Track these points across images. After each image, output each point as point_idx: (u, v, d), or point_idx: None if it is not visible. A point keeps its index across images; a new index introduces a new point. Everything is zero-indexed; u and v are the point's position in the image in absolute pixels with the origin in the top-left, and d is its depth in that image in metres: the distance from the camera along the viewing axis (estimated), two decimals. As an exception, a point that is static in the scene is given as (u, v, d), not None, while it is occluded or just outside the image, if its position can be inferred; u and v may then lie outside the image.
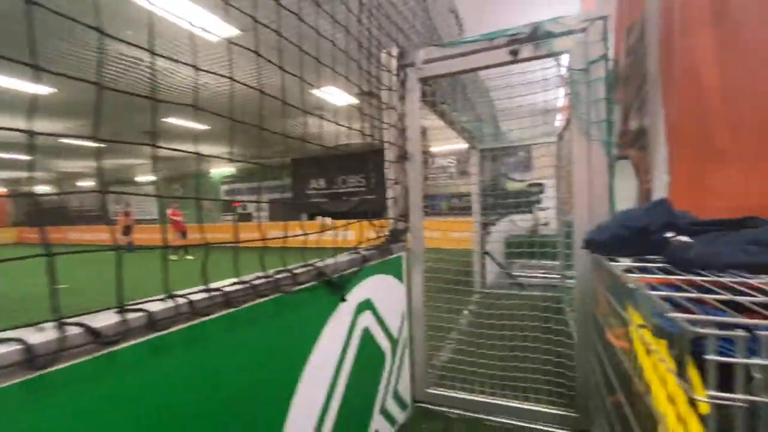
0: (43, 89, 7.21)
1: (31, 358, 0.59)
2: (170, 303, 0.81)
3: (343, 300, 1.37)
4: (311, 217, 14.50)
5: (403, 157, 2.07)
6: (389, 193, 2.04)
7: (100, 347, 0.68)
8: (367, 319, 1.60)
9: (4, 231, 20.74)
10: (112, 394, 0.69)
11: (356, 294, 1.50)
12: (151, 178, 18.58)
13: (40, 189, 23.32)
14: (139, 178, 18.93)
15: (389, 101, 2.02)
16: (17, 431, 0.57)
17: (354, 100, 7.58)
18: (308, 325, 1.21)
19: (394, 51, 2.07)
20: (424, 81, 2.16)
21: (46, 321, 0.66)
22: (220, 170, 16.60)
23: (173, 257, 10.50)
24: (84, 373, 0.65)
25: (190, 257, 10.91)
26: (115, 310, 0.75)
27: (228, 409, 0.90)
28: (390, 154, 2.02)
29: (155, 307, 0.78)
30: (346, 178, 13.98)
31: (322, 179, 14.22)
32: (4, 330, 0.61)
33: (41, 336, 0.62)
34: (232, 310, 0.92)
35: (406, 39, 2.22)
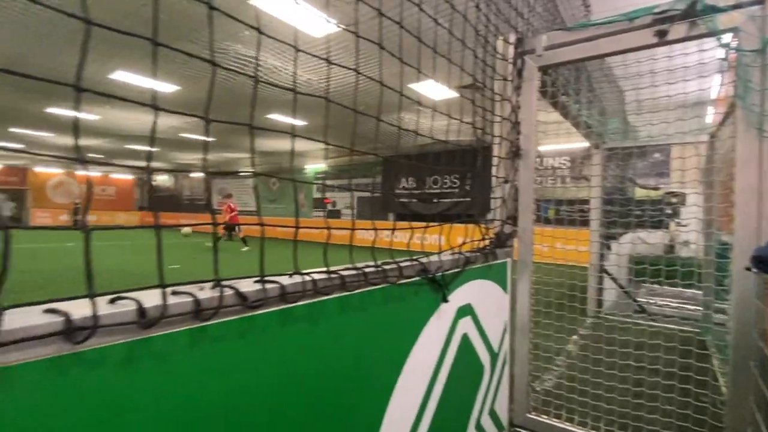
0: (168, 87, 8.61)
1: (198, 310, 0.76)
2: (297, 279, 0.95)
3: (445, 301, 1.42)
4: (399, 217, 14.85)
5: (515, 153, 2.05)
6: (497, 193, 2.03)
7: (246, 309, 0.83)
8: (466, 325, 1.62)
9: (131, 214, 25.65)
10: (252, 351, 0.84)
11: (457, 297, 1.54)
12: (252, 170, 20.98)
13: (160, 178, 27.92)
14: (243, 171, 21.49)
15: (503, 92, 2.01)
16: (183, 370, 0.73)
17: (454, 94, 7.57)
18: (411, 321, 1.29)
19: (512, 37, 2.06)
20: (543, 70, 2.10)
21: (206, 281, 0.83)
22: (315, 167, 17.97)
23: (244, 248, 11.84)
24: (233, 329, 0.81)
25: (246, 248, 12.18)
26: (254, 280, 0.91)
27: (336, 385, 1.02)
28: (500, 150, 2.01)
29: (285, 281, 0.93)
30: (438, 179, 14.01)
31: (413, 179, 14.47)
32: (177, 284, 0.80)
33: (204, 293, 0.79)
34: (346, 293, 1.04)
35: (526, 24, 2.19)
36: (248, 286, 0.87)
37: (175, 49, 0.68)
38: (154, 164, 23.59)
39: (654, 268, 4.11)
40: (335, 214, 16.94)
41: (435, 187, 14.06)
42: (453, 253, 1.53)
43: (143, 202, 28.36)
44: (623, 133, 4.44)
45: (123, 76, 7.87)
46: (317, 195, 17.96)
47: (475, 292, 1.68)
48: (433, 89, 7.75)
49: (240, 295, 0.83)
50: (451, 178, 13.40)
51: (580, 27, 1.93)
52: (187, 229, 12.25)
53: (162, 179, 27.65)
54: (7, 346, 0.55)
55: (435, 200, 12.49)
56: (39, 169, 23.86)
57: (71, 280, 7.04)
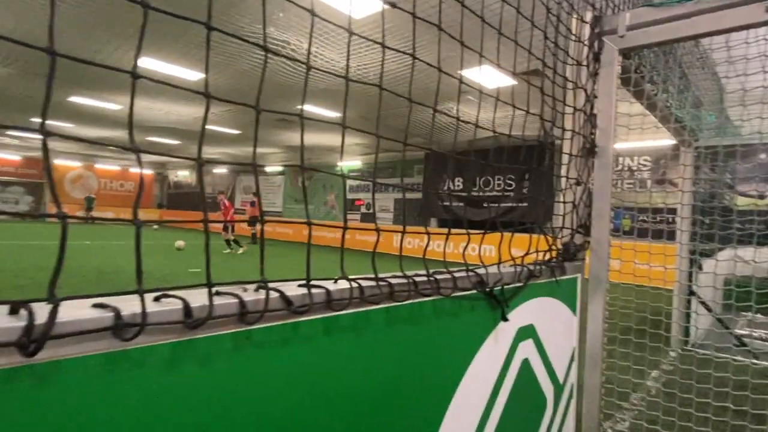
0: (193, 74, 9.05)
1: (243, 312, 0.81)
2: (344, 285, 0.99)
3: (504, 319, 1.42)
4: (442, 223, 14.78)
5: (589, 150, 2.01)
6: (566, 197, 1.99)
7: (290, 315, 0.88)
8: (527, 350, 1.61)
9: (149, 212, 27.16)
10: (295, 359, 0.89)
11: (518, 315, 1.53)
12: (279, 168, 21.59)
13: (181, 174, 29.28)
14: (269, 168, 22.19)
15: (577, 79, 1.99)
16: (225, 375, 0.79)
17: (509, 82, 7.48)
18: (465, 339, 1.30)
19: (588, 15, 2.02)
20: (625, 54, 2.06)
21: (250, 282, 0.89)
22: (348, 164, 18.25)
23: (227, 251, 12.22)
24: (276, 335, 0.86)
25: (241, 251, 12.49)
26: (299, 283, 0.96)
27: (382, 403, 1.05)
28: (572, 147, 1.98)
29: (331, 287, 0.97)
30: (490, 180, 13.83)
31: (460, 179, 14.36)
32: (221, 284, 0.86)
33: (248, 295, 0.85)
34: (394, 303, 1.07)
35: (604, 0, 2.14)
36: (293, 290, 0.92)
37: (230, 35, 0.74)
38: (174, 159, 24.74)
39: (761, 293, 3.84)
40: (368, 217, 17.11)
41: (486, 189, 13.89)
42: (513, 265, 1.52)
43: (162, 199, 29.85)
44: (720, 129, 4.22)
45: (147, 62, 8.36)
46: (349, 196, 18.21)
47: (539, 311, 1.66)
48: (487, 76, 7.69)
49: (285, 299, 0.88)
50: (505, 179, 13.20)
51: (671, 2, 1.88)
52: (180, 243, 12.80)
53: (183, 175, 29.02)
54: (62, 339, 0.62)
55: (485, 204, 12.36)
56: (58, 162, 25.73)
57: (90, 280, 7.54)
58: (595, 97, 2.02)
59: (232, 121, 13.25)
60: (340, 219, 17.88)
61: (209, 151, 19.86)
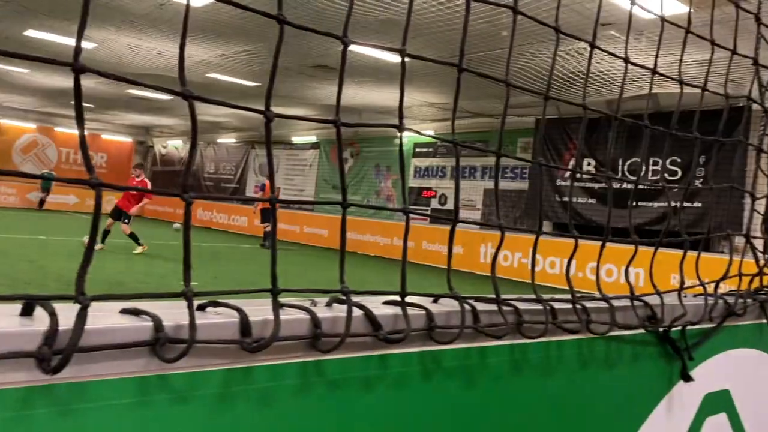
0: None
1: (317, 335, 0.85)
2: (450, 306, 1.01)
3: (686, 378, 1.38)
4: (557, 227, 14.45)
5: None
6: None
7: (377, 344, 0.91)
8: (719, 428, 1.56)
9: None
10: (380, 409, 0.92)
11: (706, 374, 1.48)
12: (312, 139, 22.03)
13: (171, 144, 30.57)
14: (297, 139, 22.64)
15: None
16: (289, 421, 0.83)
17: (681, 8, 7.19)
18: (624, 404, 1.28)
19: None
20: None
21: (322, 291, 0.93)
22: (413, 136, 18.20)
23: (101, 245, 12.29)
24: (356, 370, 0.90)
25: (138, 250, 12.63)
26: (384, 300, 0.99)
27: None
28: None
29: (431, 307, 0.99)
30: (635, 163, 13.38)
31: (591, 160, 13.97)
32: (287, 290, 0.90)
33: (321, 312, 0.89)
34: (522, 340, 1.07)
35: None
36: (378, 308, 0.95)
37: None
38: (165, 121, 25.84)
39: None
40: (440, 215, 17.00)
41: (631, 177, 13.48)
42: (700, 295, 1.48)
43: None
44: None
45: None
46: (413, 183, 18.21)
47: (738, 370, 1.62)
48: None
49: (371, 320, 0.91)
50: (666, 164, 12.69)
51: None
52: (178, 225, 13.39)
53: (173, 145, 30.27)
54: (91, 354, 0.68)
55: (634, 203, 11.98)
56: (5, 122, 27.56)
57: (95, 281, 8.11)
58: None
59: (247, 70, 13.70)
60: (395, 217, 17.81)
61: (216, 112, 20.59)
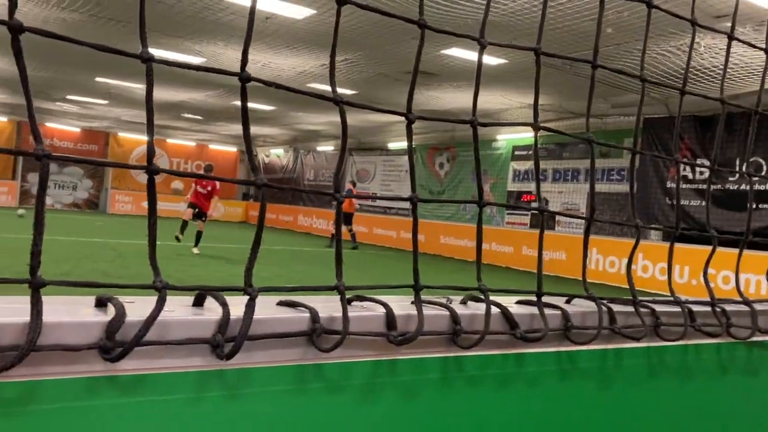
0: (299, 11, 9.73)
1: (456, 332, 0.87)
2: (585, 307, 1.01)
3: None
4: (668, 234, 13.81)
5: None
6: None
7: (513, 342, 0.92)
8: None
9: (232, 204, 29.69)
10: (515, 406, 0.93)
11: None
12: (405, 144, 22.17)
13: (274, 152, 31.58)
14: (393, 144, 22.86)
15: None
16: (430, 416, 0.86)
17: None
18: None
19: None
20: None
21: (459, 288, 0.95)
22: (512, 137, 17.90)
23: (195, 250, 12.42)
24: (494, 367, 0.91)
25: (196, 250, 12.64)
26: (518, 300, 1.00)
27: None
28: None
29: (566, 307, 0.99)
30: (761, 162, 12.58)
31: (704, 160, 13.28)
32: (429, 287, 0.93)
33: (459, 308, 0.91)
34: (660, 343, 1.05)
35: None
36: (513, 307, 0.97)
37: None
38: (268, 131, 26.76)
39: None
40: (544, 220, 16.57)
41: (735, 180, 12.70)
42: None
43: (249, 188, 32.47)
44: None
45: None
46: (512, 188, 17.93)
47: None
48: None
49: (508, 319, 0.92)
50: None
51: None
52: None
53: (276, 153, 31.35)
54: (254, 342, 0.74)
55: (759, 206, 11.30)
56: (123, 135, 29.45)
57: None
58: None
59: (346, 78, 13.97)
60: (502, 224, 17.50)
61: (315, 121, 21.13)
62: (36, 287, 0.62)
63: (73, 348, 0.64)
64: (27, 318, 0.62)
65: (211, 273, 10.30)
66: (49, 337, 0.63)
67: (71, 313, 0.69)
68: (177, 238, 12.66)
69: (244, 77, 0.75)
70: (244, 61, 0.76)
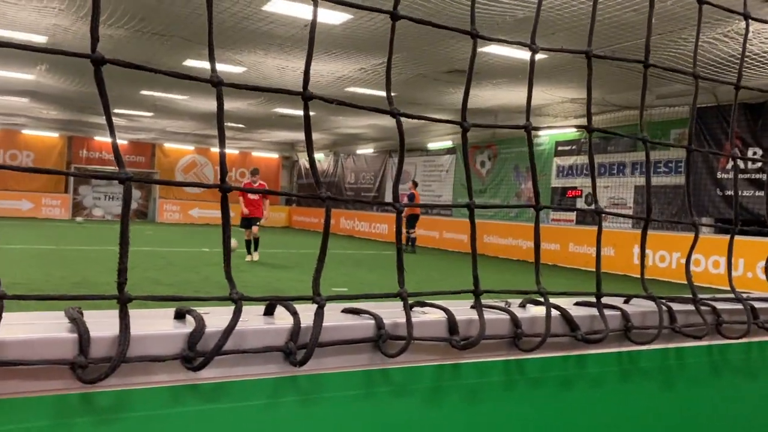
0: (335, 16, 9.82)
1: (517, 335, 0.89)
2: (644, 307, 1.01)
3: None
4: (721, 228, 13.46)
5: None
6: None
7: (573, 344, 0.93)
8: None
9: (275, 209, 30.16)
10: (578, 408, 0.94)
11: None
12: (447, 144, 22.14)
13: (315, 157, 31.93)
14: (432, 145, 22.83)
15: None
16: (493, 416, 0.87)
17: None
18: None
19: None
20: None
21: (516, 291, 0.97)
22: (554, 133, 17.61)
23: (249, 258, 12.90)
24: (555, 369, 0.92)
25: (248, 258, 12.61)
26: (576, 301, 1.01)
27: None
28: None
29: (625, 307, 1.00)
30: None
31: (758, 148, 12.88)
32: (488, 291, 0.95)
33: (519, 311, 0.93)
34: (722, 341, 1.05)
35: None
36: (572, 309, 0.98)
37: None
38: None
39: None
40: (586, 216, 16.37)
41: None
42: None
43: (292, 191, 32.86)
44: None
45: (276, 6, 9.36)
46: (556, 183, 17.69)
47: None
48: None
49: (568, 321, 0.94)
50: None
51: None
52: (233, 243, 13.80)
53: (317, 158, 31.64)
54: (324, 349, 0.77)
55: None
56: (169, 145, 30.24)
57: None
58: None
59: (381, 82, 14.03)
60: (547, 222, 17.29)
61: (354, 124, 21.26)
62: (124, 302, 0.66)
63: (159, 359, 0.68)
64: (116, 331, 0.66)
65: (260, 278, 10.46)
66: (136, 349, 0.67)
67: (153, 325, 0.73)
68: (249, 261, 12.93)
69: (307, 96, 0.78)
70: (306, 80, 0.79)
